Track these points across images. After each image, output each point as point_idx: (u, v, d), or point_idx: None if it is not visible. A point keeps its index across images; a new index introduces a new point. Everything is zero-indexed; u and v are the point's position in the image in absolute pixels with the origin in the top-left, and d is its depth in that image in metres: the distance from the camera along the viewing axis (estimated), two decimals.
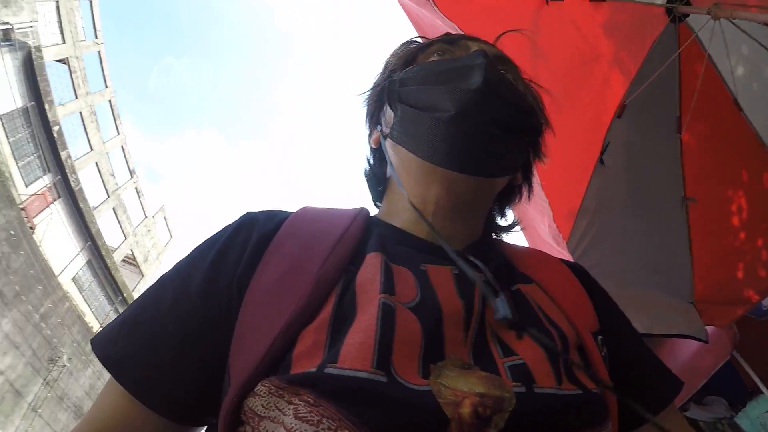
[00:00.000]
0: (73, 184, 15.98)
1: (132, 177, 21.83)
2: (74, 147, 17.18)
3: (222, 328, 0.53)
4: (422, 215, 0.62)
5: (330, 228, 0.62)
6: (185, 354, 0.53)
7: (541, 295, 0.62)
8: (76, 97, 17.62)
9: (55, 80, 16.12)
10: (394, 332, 0.49)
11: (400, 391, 0.44)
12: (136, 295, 18.39)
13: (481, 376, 0.47)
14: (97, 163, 18.77)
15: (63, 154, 15.54)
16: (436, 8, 1.71)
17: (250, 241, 0.61)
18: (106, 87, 20.12)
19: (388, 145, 0.70)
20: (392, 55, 0.78)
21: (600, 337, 0.62)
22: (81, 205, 16.36)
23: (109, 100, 20.29)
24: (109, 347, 0.54)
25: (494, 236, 0.78)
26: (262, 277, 0.56)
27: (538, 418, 0.45)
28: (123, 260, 20.41)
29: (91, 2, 18.45)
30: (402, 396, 0.44)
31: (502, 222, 0.80)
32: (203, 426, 0.57)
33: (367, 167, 0.79)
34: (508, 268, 0.66)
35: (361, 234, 0.63)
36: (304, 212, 0.67)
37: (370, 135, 0.79)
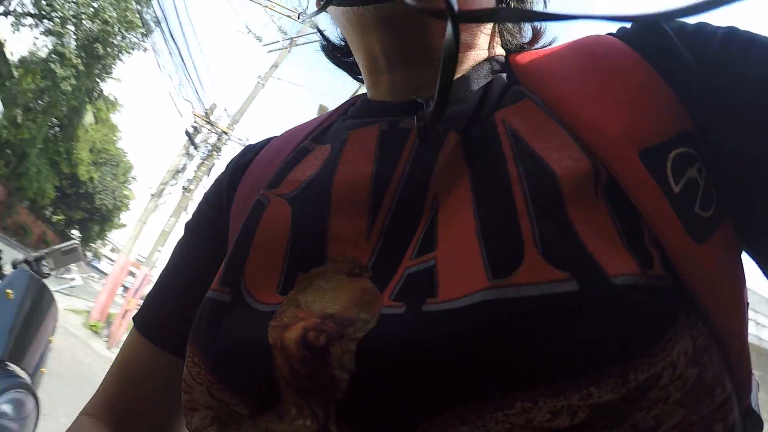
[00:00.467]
0: None
1: None
2: None
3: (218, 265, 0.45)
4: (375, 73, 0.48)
5: (297, 134, 0.53)
6: (187, 293, 0.50)
7: (532, 114, 0.38)
8: None
9: None
10: (254, 234, 0.41)
11: (241, 312, 0.36)
12: None
13: (358, 289, 0.34)
14: None
15: None
16: None
17: (227, 172, 0.56)
18: None
19: None
20: None
21: (678, 151, 0.34)
22: None
23: None
24: None
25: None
26: (233, 207, 0.50)
27: (408, 356, 0.29)
28: None
29: None
30: (240, 320, 0.36)
31: (514, 40, 0.51)
32: None
33: (323, 41, 0.59)
34: (503, 92, 0.43)
35: (327, 130, 0.50)
36: (294, 127, 0.56)
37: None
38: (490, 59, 0.48)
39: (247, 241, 0.41)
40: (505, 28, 0.51)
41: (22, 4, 17.86)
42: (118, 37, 19.62)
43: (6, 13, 17.59)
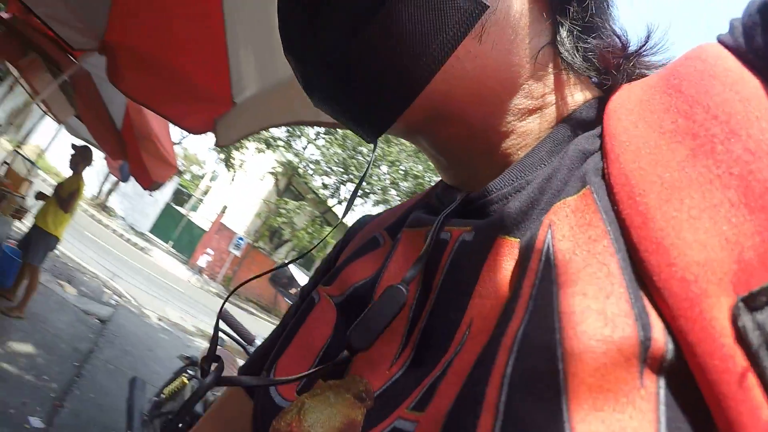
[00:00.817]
0: None
1: None
2: None
3: None
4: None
5: (392, 214, 0.50)
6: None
7: (587, 216, 0.28)
8: None
9: None
10: (297, 332, 0.43)
11: (261, 397, 0.39)
12: None
13: (348, 421, 0.33)
14: None
15: None
16: None
17: (341, 240, 0.55)
18: None
19: None
20: None
21: None
22: None
23: None
24: None
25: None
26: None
27: None
28: None
29: None
30: (263, 407, 0.39)
31: (582, 95, 0.38)
32: None
33: None
34: (573, 169, 0.32)
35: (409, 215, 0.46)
36: (404, 202, 0.53)
37: None
38: (573, 115, 0.36)
39: (292, 334, 0.42)
40: (571, 61, 0.36)
41: (349, 191, 21.19)
42: (431, 184, 21.14)
43: (340, 202, 21.19)
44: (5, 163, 6.41)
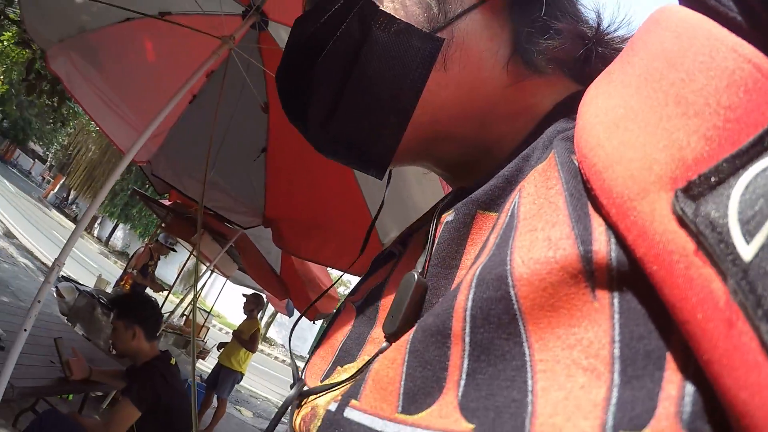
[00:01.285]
0: None
1: None
2: None
3: None
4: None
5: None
6: None
7: (548, 171, 0.30)
8: None
9: None
10: (326, 336, 0.47)
11: (296, 391, 0.42)
12: None
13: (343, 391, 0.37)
14: None
15: None
16: None
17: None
18: None
19: None
20: None
21: (763, 166, 0.18)
22: None
23: None
24: None
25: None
26: None
27: None
28: None
29: None
30: (293, 397, 0.41)
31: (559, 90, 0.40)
32: None
33: None
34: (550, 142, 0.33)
35: None
36: None
37: None
38: (556, 108, 0.38)
39: (323, 338, 0.46)
40: (533, 64, 0.39)
41: None
42: None
43: None
44: (184, 314, 7.52)
